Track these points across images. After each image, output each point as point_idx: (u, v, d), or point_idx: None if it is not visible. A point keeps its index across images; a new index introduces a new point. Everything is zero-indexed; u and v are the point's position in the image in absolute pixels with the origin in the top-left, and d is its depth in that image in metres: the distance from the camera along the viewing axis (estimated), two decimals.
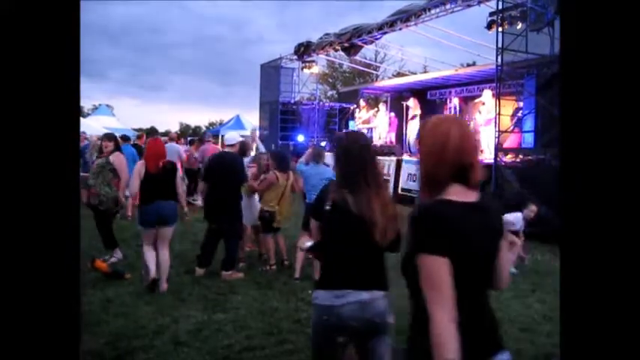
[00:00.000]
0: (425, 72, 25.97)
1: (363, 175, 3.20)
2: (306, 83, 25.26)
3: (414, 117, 18.44)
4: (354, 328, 3.08)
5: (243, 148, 8.51)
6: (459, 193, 2.09)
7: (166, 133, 22.59)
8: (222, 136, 31.62)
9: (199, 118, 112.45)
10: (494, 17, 13.24)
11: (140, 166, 6.72)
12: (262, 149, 10.18)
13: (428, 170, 2.17)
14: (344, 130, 20.68)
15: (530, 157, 11.22)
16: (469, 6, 14.58)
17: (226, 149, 7.89)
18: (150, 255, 6.60)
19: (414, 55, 27.07)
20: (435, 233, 2.01)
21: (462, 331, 1.91)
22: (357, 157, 3.24)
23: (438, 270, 1.96)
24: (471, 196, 2.12)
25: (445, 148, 2.09)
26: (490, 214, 2.20)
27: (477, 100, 15.84)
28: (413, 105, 18.10)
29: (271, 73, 24.73)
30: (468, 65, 24.77)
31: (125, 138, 13.23)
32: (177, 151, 12.46)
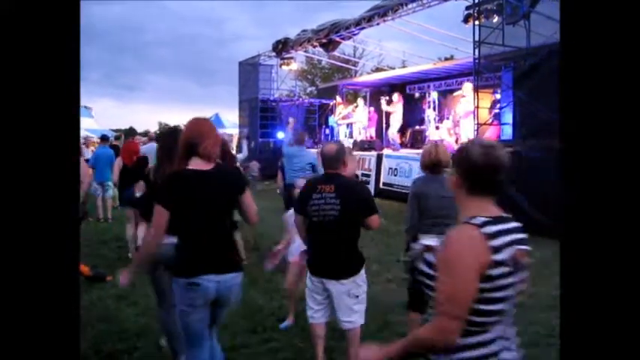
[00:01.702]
0: (404, 67, 26.00)
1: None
2: (285, 80, 25.27)
3: (391, 112, 18.46)
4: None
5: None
6: (195, 164, 3.35)
7: (145, 134, 22.42)
8: None
9: (178, 117, 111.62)
10: (471, 11, 13.33)
11: (119, 160, 9.20)
12: (244, 152, 10.10)
13: (179, 150, 3.44)
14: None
15: (508, 149, 11.30)
16: (445, 0, 14.65)
17: None
18: (131, 229, 7.59)
19: (393, 49, 27.03)
20: (163, 190, 3.39)
21: (197, 249, 3.35)
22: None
23: (158, 214, 3.26)
24: (206, 166, 3.36)
25: (183, 136, 3.46)
26: (222, 176, 3.45)
27: (456, 93, 15.96)
28: (396, 99, 18.15)
29: (250, 71, 24.63)
30: (446, 59, 24.87)
31: (104, 139, 13.16)
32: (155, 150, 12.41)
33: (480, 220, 2.01)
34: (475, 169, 2.10)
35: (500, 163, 2.12)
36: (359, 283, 4.13)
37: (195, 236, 3.39)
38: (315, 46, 21.41)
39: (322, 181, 4.16)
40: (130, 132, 28.55)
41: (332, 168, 4.19)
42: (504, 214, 2.13)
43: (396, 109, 18.08)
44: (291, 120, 11.93)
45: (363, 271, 4.20)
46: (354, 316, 4.14)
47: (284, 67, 23.12)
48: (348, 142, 19.76)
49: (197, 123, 3.55)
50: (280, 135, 23.12)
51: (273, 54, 22.93)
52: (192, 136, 3.40)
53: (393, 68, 27.26)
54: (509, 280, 1.98)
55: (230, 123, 32.13)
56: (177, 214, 3.30)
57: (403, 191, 13.73)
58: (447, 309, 1.95)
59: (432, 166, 4.58)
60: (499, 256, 1.95)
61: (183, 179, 3.34)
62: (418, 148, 17.26)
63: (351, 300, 4.09)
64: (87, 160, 9.73)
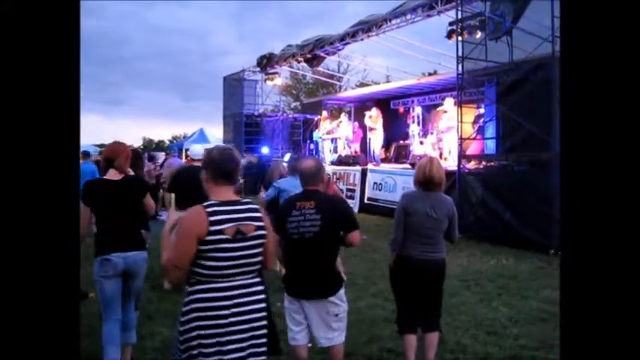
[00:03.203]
0: (388, 82, 26.20)
1: None
2: (270, 95, 25.39)
3: (372, 129, 18.51)
4: None
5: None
6: (110, 175, 4.55)
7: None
8: (187, 149, 31.45)
9: (162, 132, 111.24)
10: (454, 27, 13.45)
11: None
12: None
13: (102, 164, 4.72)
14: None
15: (492, 163, 11.38)
16: (429, 16, 14.81)
17: (194, 163, 7.61)
18: None
19: (377, 65, 27.23)
20: (83, 192, 4.40)
21: (108, 235, 4.51)
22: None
23: (82, 210, 4.27)
24: (117, 177, 4.54)
25: (103, 155, 4.80)
26: (127, 184, 4.58)
27: (439, 109, 16.04)
28: (375, 114, 18.21)
29: (234, 86, 24.67)
30: (430, 74, 25.10)
31: (85, 155, 13.05)
32: None
33: (209, 202, 2.87)
34: (213, 163, 2.98)
35: (232, 159, 3.00)
36: (337, 302, 4.04)
37: (106, 226, 4.51)
38: (299, 62, 21.51)
39: (301, 198, 4.06)
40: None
41: (310, 184, 4.12)
42: (238, 199, 3.02)
43: (376, 125, 18.14)
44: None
45: (342, 291, 4.11)
46: (331, 333, 4.03)
47: (268, 82, 23.19)
48: (331, 157, 19.82)
49: (114, 145, 4.83)
50: (265, 150, 23.10)
51: (258, 69, 23.01)
52: (109, 155, 4.62)
53: (378, 83, 27.43)
54: (232, 244, 2.79)
55: (215, 138, 32.08)
56: (96, 212, 4.48)
57: (388, 206, 13.75)
58: (172, 258, 2.80)
59: (424, 182, 4.42)
60: (215, 227, 2.75)
61: (99, 186, 4.60)
62: (402, 162, 17.34)
63: (329, 318, 4.00)
64: None
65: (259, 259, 2.96)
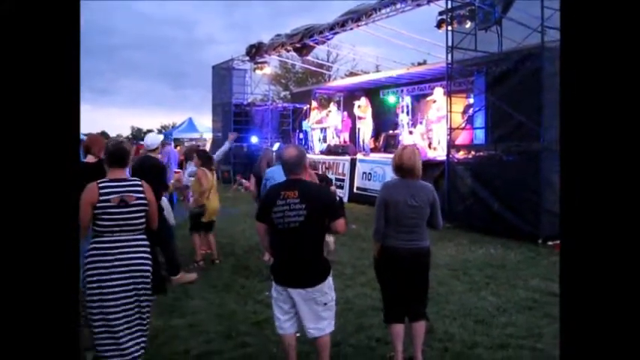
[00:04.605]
0: (377, 71, 26.12)
1: None
2: (259, 84, 25.18)
3: (361, 118, 18.45)
4: None
5: (189, 152, 8.81)
6: (88, 159, 5.41)
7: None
8: (176, 139, 31.31)
9: (151, 121, 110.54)
10: (444, 16, 13.44)
11: None
12: (225, 146, 9.92)
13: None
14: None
15: (481, 153, 11.40)
16: (419, 5, 14.75)
17: (150, 154, 7.44)
18: None
19: (366, 54, 27.12)
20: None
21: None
22: None
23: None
24: (93, 160, 5.29)
25: (84, 144, 5.55)
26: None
27: (428, 99, 16.04)
28: (364, 104, 18.15)
29: (223, 75, 24.53)
30: (419, 64, 25.04)
31: None
32: None
33: (102, 180, 3.97)
34: (108, 153, 4.16)
35: (121, 150, 4.14)
36: (325, 290, 4.04)
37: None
38: (288, 51, 21.37)
39: (285, 187, 4.04)
40: (103, 136, 28.37)
41: (294, 173, 4.10)
42: (126, 177, 4.17)
43: (365, 114, 18.08)
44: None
45: (330, 279, 4.12)
46: (321, 323, 4.05)
47: (257, 72, 23.05)
48: (321, 147, 19.79)
49: (92, 137, 6.06)
50: (254, 139, 23.03)
51: (247, 58, 22.87)
52: (88, 144, 5.53)
53: (367, 73, 27.36)
54: (116, 209, 3.87)
55: (204, 127, 31.95)
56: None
57: (377, 195, 13.74)
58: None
59: (397, 168, 4.46)
60: (103, 197, 3.84)
61: (81, 167, 5.16)
62: (391, 152, 17.31)
63: (318, 307, 4.01)
64: None
65: (142, 220, 4.02)
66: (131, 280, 3.90)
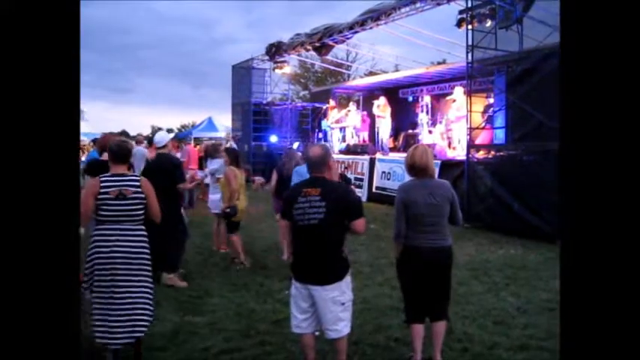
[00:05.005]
0: (396, 70, 26.06)
1: None
2: (278, 84, 25.26)
3: (381, 117, 18.38)
4: None
5: (210, 150, 9.14)
6: (104, 157, 6.31)
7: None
8: (196, 138, 31.48)
9: (171, 120, 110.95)
10: (464, 15, 13.35)
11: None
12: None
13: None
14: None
15: (501, 153, 11.31)
16: (439, 4, 14.69)
17: (159, 151, 7.41)
18: None
19: (386, 53, 27.11)
20: (89, 167, 6.61)
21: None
22: None
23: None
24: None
25: (97, 143, 7.52)
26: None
27: (448, 98, 15.96)
28: (383, 103, 18.10)
29: (243, 74, 24.60)
30: (439, 63, 24.94)
31: (95, 142, 13.10)
32: (144, 154, 12.33)
33: (104, 175, 4.37)
34: (111, 151, 4.53)
35: (123, 149, 4.54)
36: (344, 289, 4.07)
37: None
38: (308, 50, 21.39)
39: (307, 185, 4.13)
40: (123, 135, 28.55)
41: (317, 171, 4.16)
42: (126, 172, 4.48)
43: (385, 113, 18.02)
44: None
45: (348, 278, 4.15)
46: (340, 324, 4.07)
47: (277, 71, 23.11)
48: (340, 146, 19.78)
49: (105, 137, 6.55)
50: (273, 139, 23.08)
51: (266, 57, 22.93)
52: (103, 143, 5.78)
53: (386, 72, 27.30)
54: (114, 201, 4.22)
55: (224, 127, 32.09)
56: None
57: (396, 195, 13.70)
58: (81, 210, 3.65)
59: (410, 168, 4.46)
60: (103, 190, 4.21)
61: (98, 163, 5.71)
62: None
63: (336, 307, 4.03)
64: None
65: (140, 212, 4.36)
66: (126, 266, 4.24)
